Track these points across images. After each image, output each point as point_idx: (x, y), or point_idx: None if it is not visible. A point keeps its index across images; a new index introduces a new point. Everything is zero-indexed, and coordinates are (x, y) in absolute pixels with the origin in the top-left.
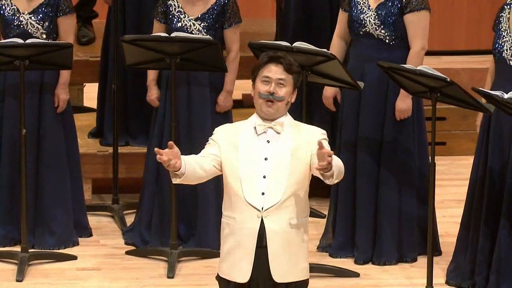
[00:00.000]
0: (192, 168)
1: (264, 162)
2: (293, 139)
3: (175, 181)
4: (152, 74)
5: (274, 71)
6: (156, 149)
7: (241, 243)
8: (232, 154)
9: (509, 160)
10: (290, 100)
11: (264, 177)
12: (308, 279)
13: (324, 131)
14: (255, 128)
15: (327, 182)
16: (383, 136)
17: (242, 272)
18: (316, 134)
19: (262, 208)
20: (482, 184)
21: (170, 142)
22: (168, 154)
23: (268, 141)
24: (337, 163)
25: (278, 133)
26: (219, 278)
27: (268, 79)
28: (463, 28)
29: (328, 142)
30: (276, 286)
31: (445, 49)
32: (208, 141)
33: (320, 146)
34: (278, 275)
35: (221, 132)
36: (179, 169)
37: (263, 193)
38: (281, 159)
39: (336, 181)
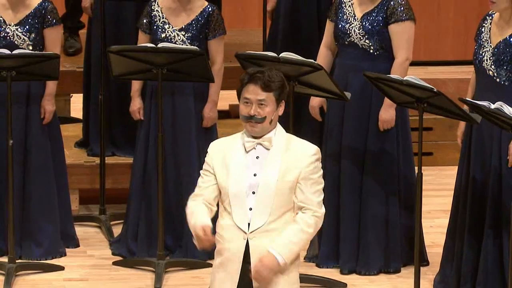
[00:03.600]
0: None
1: (253, 178)
2: (283, 158)
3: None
4: (136, 85)
5: (253, 92)
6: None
7: (227, 263)
8: (223, 174)
9: (491, 170)
10: (273, 117)
11: (254, 193)
12: None
13: (315, 151)
14: (244, 145)
15: None
16: (366, 146)
17: None
18: (305, 158)
19: (248, 230)
20: (465, 194)
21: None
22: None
23: (258, 157)
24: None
25: (267, 149)
26: None
27: (248, 101)
28: (450, 39)
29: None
30: None
31: (432, 60)
32: (203, 160)
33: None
34: None
35: (215, 150)
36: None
37: (250, 209)
38: (269, 179)
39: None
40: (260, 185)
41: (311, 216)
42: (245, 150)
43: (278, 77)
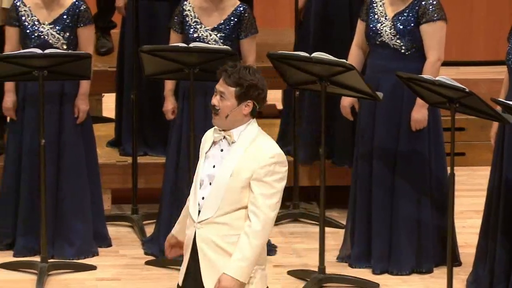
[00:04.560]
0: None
1: (212, 169)
2: (241, 155)
3: None
4: (169, 85)
5: (219, 84)
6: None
7: (186, 248)
8: (200, 162)
9: None
10: (231, 113)
11: (211, 183)
12: None
13: (273, 154)
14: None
15: None
16: (398, 147)
17: (181, 275)
18: (261, 160)
19: (197, 220)
20: (498, 195)
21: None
22: (172, 254)
23: (222, 150)
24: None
25: (229, 144)
26: None
27: (215, 91)
28: (482, 39)
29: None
30: None
31: (464, 60)
32: None
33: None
34: (208, 285)
35: (204, 139)
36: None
37: (203, 198)
38: (223, 174)
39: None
40: (215, 178)
41: (259, 223)
42: (214, 140)
43: (250, 76)
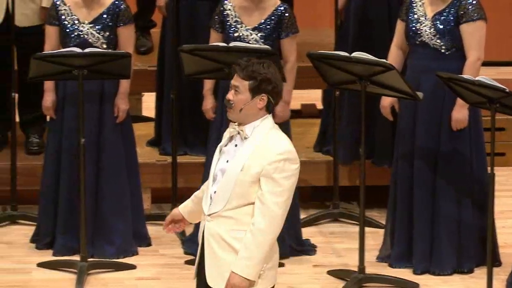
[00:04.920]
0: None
1: (226, 164)
2: (252, 151)
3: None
4: (208, 84)
5: (234, 78)
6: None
7: (199, 240)
8: (215, 156)
9: None
10: (244, 107)
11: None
12: None
13: (282, 150)
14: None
15: None
16: (439, 147)
17: (195, 267)
18: (271, 156)
19: (207, 213)
20: None
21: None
22: (170, 229)
23: (236, 145)
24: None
25: (242, 139)
26: None
27: (230, 86)
28: None
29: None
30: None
31: (504, 60)
32: None
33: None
34: (210, 278)
35: (225, 134)
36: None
37: (215, 192)
38: (234, 168)
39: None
40: (226, 172)
41: (264, 220)
42: (229, 135)
43: (263, 70)
